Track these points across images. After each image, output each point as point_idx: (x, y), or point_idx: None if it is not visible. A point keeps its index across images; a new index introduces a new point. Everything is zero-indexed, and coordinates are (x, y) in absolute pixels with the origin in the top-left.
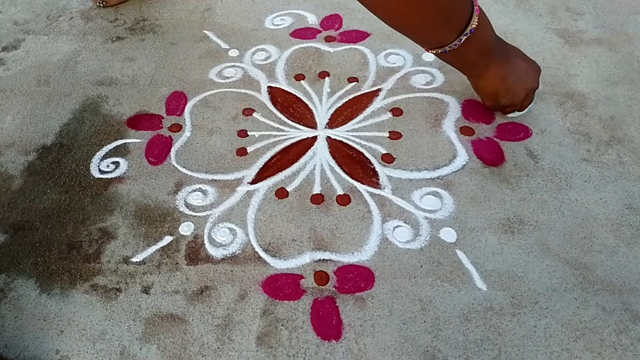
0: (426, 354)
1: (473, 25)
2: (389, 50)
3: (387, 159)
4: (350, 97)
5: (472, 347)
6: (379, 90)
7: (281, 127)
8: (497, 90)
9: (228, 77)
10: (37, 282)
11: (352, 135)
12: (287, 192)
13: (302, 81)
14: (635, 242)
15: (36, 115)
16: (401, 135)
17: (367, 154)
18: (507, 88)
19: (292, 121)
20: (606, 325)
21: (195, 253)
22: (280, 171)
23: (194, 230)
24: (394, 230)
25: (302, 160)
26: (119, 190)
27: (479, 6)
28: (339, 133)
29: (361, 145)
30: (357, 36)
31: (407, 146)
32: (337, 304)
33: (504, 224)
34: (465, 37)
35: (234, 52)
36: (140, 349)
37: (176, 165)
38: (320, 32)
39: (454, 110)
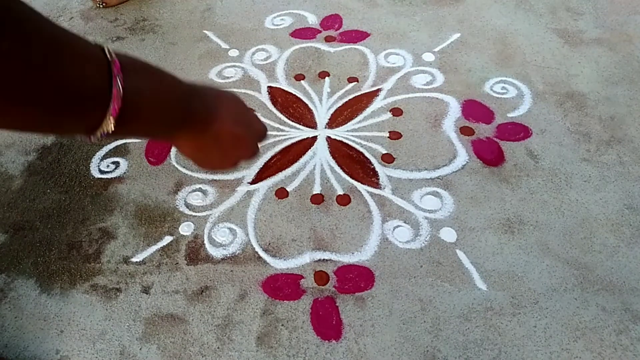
0: (426, 354)
1: (105, 130)
2: (389, 50)
3: (387, 159)
4: (350, 97)
5: (472, 347)
6: (379, 90)
7: (281, 127)
8: (193, 160)
9: (228, 77)
10: (37, 282)
11: (352, 135)
12: (287, 192)
13: (302, 81)
14: (635, 242)
15: None
16: (401, 135)
17: (367, 154)
18: (205, 160)
19: (292, 121)
20: (606, 325)
21: (195, 253)
22: (280, 171)
23: (194, 230)
24: (394, 230)
25: (302, 160)
26: (119, 190)
27: (120, 99)
28: (339, 133)
29: (361, 145)
30: (357, 36)
31: (407, 146)
32: (337, 304)
33: (504, 224)
34: (95, 138)
35: (234, 52)
36: (140, 349)
37: (176, 165)
38: (320, 32)
39: (454, 110)
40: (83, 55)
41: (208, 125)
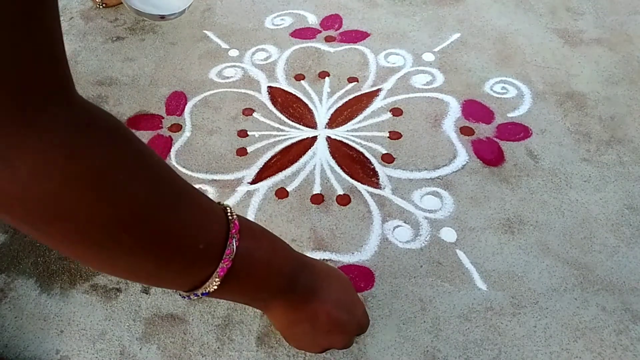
0: (426, 354)
1: (207, 289)
2: (389, 50)
3: (387, 159)
4: (350, 97)
5: (472, 347)
6: (379, 90)
7: (281, 127)
8: (283, 334)
9: (228, 77)
10: (37, 282)
11: (352, 135)
12: (287, 192)
13: (302, 81)
14: (635, 242)
15: None
16: (401, 135)
17: (367, 154)
18: (294, 337)
19: (292, 121)
20: (606, 325)
21: None
22: (280, 171)
23: None
24: (394, 230)
25: (302, 160)
26: None
27: (230, 260)
28: (339, 133)
29: (361, 145)
30: (357, 36)
31: (407, 146)
32: None
33: (504, 224)
34: (195, 297)
35: (234, 52)
36: (140, 349)
37: (176, 165)
38: (320, 32)
39: (454, 110)
40: (205, 209)
41: (309, 301)
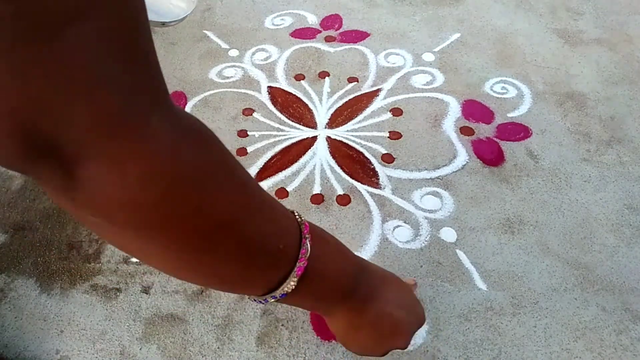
0: (426, 354)
1: (285, 290)
2: (389, 50)
3: (387, 159)
4: (350, 97)
5: (472, 347)
6: (379, 90)
7: (281, 127)
8: (344, 340)
9: (228, 77)
10: (37, 282)
11: (352, 135)
12: (287, 192)
13: (302, 81)
14: (635, 242)
15: None
16: (401, 135)
17: (367, 154)
18: (357, 342)
19: (292, 121)
20: (606, 325)
21: None
22: (280, 171)
23: None
24: (394, 230)
25: (302, 160)
26: None
27: (306, 260)
28: (339, 133)
29: (361, 145)
30: (357, 36)
31: (407, 146)
32: None
33: (504, 224)
34: (273, 299)
35: (234, 52)
36: (140, 349)
37: None
38: (320, 32)
39: (454, 110)
40: (283, 212)
41: (370, 304)
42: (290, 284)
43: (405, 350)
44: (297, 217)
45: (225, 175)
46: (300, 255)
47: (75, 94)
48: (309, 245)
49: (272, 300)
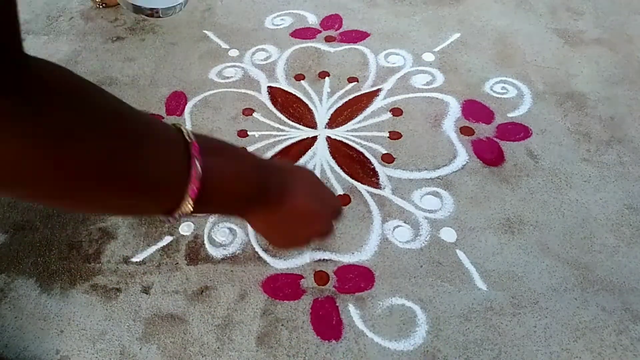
0: (426, 354)
1: (184, 210)
2: (389, 50)
3: (387, 159)
4: (350, 97)
5: (472, 347)
6: (379, 90)
7: (281, 127)
8: (267, 237)
9: (228, 77)
10: (37, 282)
11: (352, 135)
12: None
13: (302, 81)
14: (635, 242)
15: None
16: (401, 135)
17: (367, 154)
18: (279, 236)
19: (292, 121)
20: (606, 325)
21: (195, 253)
22: None
23: (194, 230)
24: (394, 230)
25: (302, 160)
26: None
27: (198, 180)
28: (339, 133)
29: (361, 145)
30: (357, 36)
31: (407, 146)
32: (337, 304)
33: (504, 224)
34: (175, 219)
35: (234, 52)
36: (140, 349)
37: None
38: (320, 32)
39: (454, 110)
40: (162, 138)
41: (282, 201)
42: (187, 205)
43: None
44: (185, 136)
45: (87, 126)
46: (190, 178)
47: None
48: (198, 165)
49: (176, 219)
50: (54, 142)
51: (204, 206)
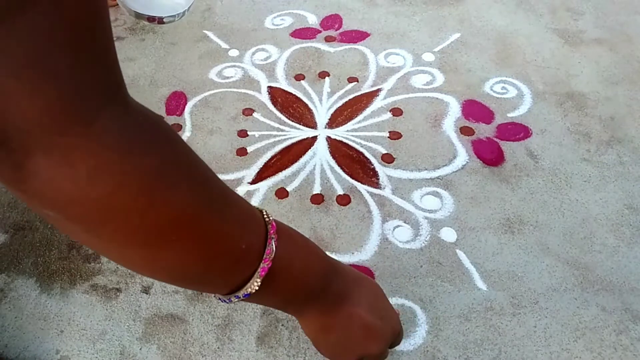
0: (426, 354)
1: (249, 290)
2: (389, 50)
3: (387, 159)
4: (350, 97)
5: (472, 347)
6: (379, 90)
7: (281, 127)
8: (316, 342)
9: (228, 77)
10: (37, 282)
11: (352, 135)
12: (287, 192)
13: (302, 81)
14: (635, 242)
15: None
16: (401, 135)
17: (367, 154)
18: (328, 344)
19: (292, 121)
20: (606, 325)
21: None
22: (280, 171)
23: None
24: (394, 230)
25: (302, 160)
26: None
27: (271, 260)
28: (339, 133)
29: (361, 145)
30: (357, 36)
31: (407, 146)
32: None
33: (504, 224)
34: (237, 299)
35: (234, 52)
36: (140, 349)
37: None
38: (320, 32)
39: (454, 110)
40: (247, 211)
41: (342, 305)
42: (254, 284)
43: (403, 349)
44: (264, 216)
45: (181, 171)
46: (264, 256)
47: (21, 85)
48: (274, 245)
49: (236, 300)
50: (149, 182)
51: (267, 289)
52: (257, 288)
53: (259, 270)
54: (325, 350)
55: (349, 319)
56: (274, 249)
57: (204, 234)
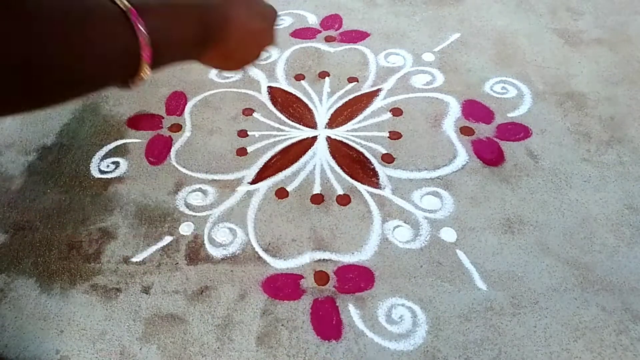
0: (426, 354)
1: (144, 76)
2: (389, 50)
3: (387, 159)
4: (350, 97)
5: (472, 347)
6: (379, 90)
7: (281, 127)
8: (223, 67)
9: (228, 77)
10: (37, 282)
11: (352, 135)
12: (287, 192)
13: (302, 81)
14: (635, 242)
15: (36, 115)
16: (401, 135)
17: (367, 154)
18: (233, 62)
19: (292, 121)
20: (606, 325)
21: (195, 253)
22: (280, 171)
23: (194, 230)
24: (394, 230)
25: (302, 160)
26: (119, 190)
27: (149, 45)
28: (339, 133)
29: (361, 145)
30: (357, 36)
31: (407, 146)
32: (337, 304)
33: (504, 224)
34: (134, 84)
35: None
36: (140, 349)
37: (176, 165)
38: (320, 32)
39: (454, 110)
40: (102, 17)
41: (227, 31)
42: (146, 71)
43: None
44: (119, 4)
45: (29, 32)
46: (141, 45)
47: None
48: (144, 31)
49: (136, 86)
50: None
51: (160, 64)
52: (149, 73)
53: (143, 59)
54: (235, 67)
55: (238, 37)
56: (145, 33)
57: (72, 61)
